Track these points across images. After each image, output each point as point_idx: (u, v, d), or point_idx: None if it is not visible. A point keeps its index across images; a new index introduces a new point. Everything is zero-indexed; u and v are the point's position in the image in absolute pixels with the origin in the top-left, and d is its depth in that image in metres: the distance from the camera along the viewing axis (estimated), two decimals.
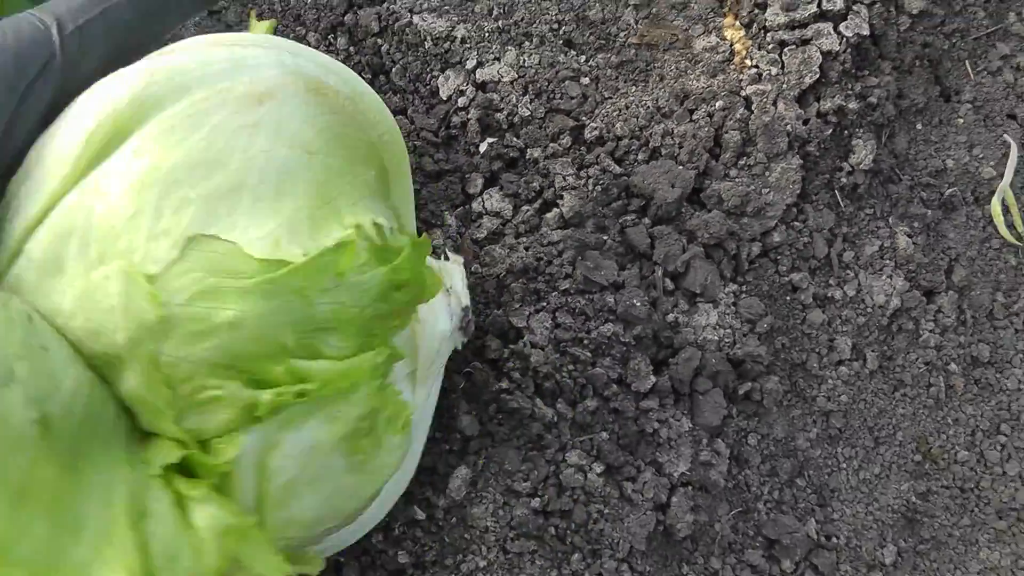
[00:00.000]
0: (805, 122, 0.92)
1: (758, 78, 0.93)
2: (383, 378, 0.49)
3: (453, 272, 0.69)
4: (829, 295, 0.92)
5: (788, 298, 0.90)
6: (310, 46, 0.91)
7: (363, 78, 0.64)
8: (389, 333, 0.49)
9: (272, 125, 0.49)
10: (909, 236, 0.96)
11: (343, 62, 0.91)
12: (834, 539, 0.86)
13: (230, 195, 0.46)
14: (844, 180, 0.94)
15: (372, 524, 0.65)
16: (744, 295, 0.87)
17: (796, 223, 0.91)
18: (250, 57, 0.53)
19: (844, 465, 0.89)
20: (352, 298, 0.46)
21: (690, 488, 0.79)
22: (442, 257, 0.73)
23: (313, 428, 0.47)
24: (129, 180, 0.46)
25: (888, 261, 0.95)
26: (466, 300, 0.68)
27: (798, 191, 0.90)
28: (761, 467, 0.85)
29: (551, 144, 0.87)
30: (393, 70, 0.91)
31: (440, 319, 0.63)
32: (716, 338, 0.83)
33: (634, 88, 0.93)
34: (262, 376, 0.45)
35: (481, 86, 0.91)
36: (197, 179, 0.46)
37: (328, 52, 0.91)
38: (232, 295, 0.43)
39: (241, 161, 0.47)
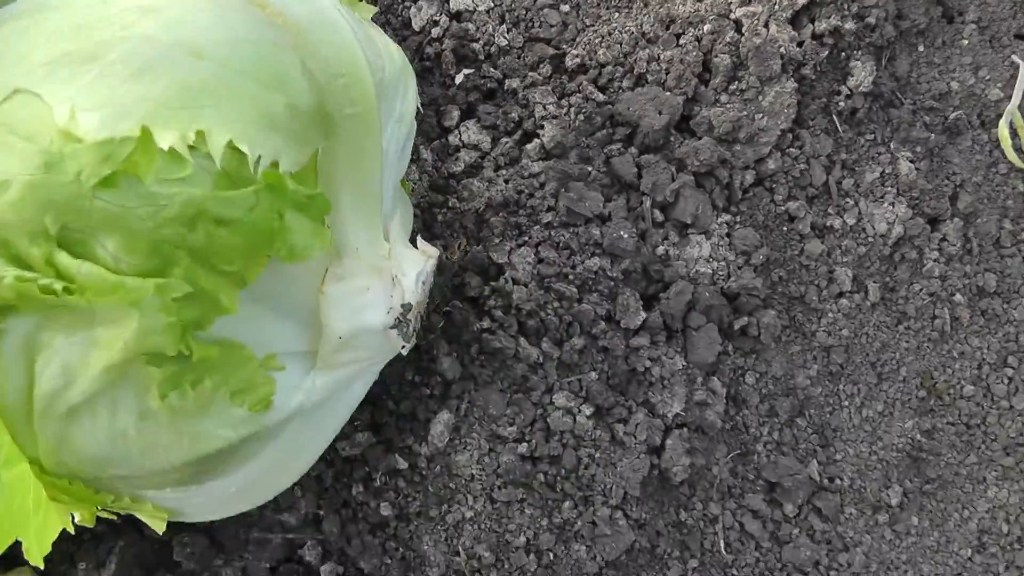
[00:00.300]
0: (799, 44, 0.87)
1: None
2: (191, 324, 0.45)
3: (408, 261, 0.59)
4: (828, 224, 0.87)
5: (785, 228, 0.85)
6: None
7: None
8: (206, 273, 0.44)
9: (171, 16, 0.46)
10: (912, 162, 0.91)
11: None
12: (837, 480, 0.83)
13: (80, 63, 0.44)
14: (842, 104, 0.89)
15: (247, 503, 0.60)
16: (738, 226, 0.83)
17: (792, 149, 0.86)
18: None
19: (846, 403, 0.86)
20: (142, 206, 0.43)
21: (685, 430, 0.75)
22: (418, 242, 0.64)
23: (84, 342, 0.45)
24: (12, 16, 0.48)
25: (890, 188, 0.91)
26: (413, 298, 0.57)
27: (793, 116, 0.85)
28: (760, 407, 0.82)
29: (530, 74, 0.82)
30: (362, 1, 0.86)
31: (370, 309, 0.55)
32: (709, 271, 0.79)
33: (617, 15, 0.87)
34: (23, 256, 0.43)
35: (455, 16, 0.85)
36: (60, 39, 0.45)
37: None
38: (15, 155, 0.43)
39: (112, 35, 0.45)
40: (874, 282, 0.88)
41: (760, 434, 0.81)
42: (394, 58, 0.60)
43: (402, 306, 0.57)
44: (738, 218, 0.83)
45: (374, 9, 0.71)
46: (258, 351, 0.50)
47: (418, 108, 0.64)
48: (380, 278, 0.56)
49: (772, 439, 0.81)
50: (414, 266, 0.59)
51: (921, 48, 0.97)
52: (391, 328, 0.56)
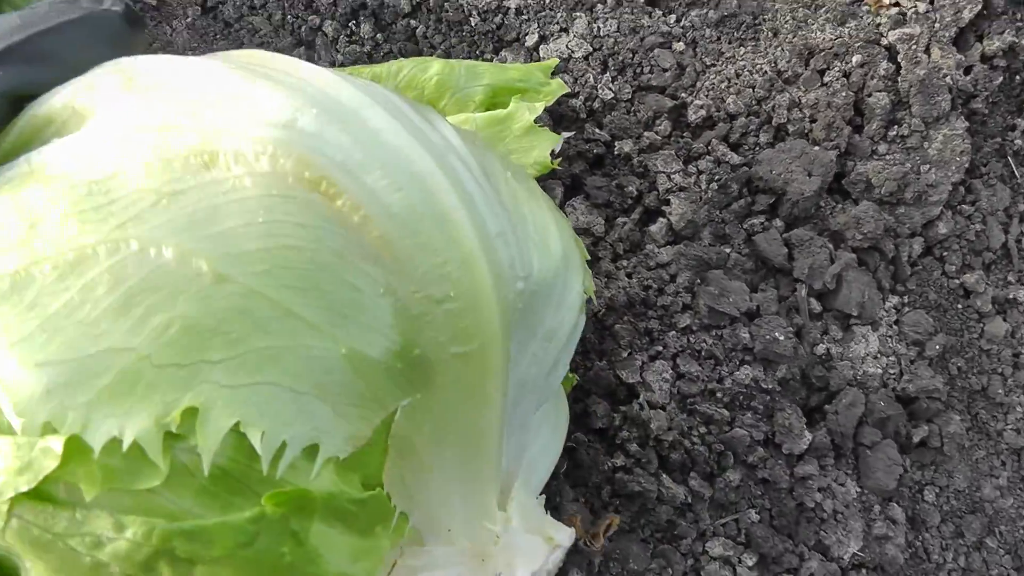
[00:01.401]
0: (967, 71, 0.71)
1: (902, 19, 0.72)
2: None
3: (524, 553, 0.42)
4: (1010, 296, 0.71)
5: (960, 306, 0.70)
6: (326, 37, 0.72)
7: None
8: None
9: (187, 209, 0.32)
10: None
11: (369, 53, 0.72)
12: None
13: (53, 278, 0.32)
14: (1019, 142, 0.73)
15: None
16: (907, 309, 0.68)
17: (964, 206, 0.71)
18: (246, 92, 0.35)
19: None
20: (76, 535, 0.30)
21: (864, 571, 0.61)
22: (548, 511, 0.48)
23: None
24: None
25: None
26: None
27: (966, 165, 0.69)
28: (942, 528, 0.67)
29: (646, 133, 0.67)
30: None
31: None
32: (879, 370, 0.65)
33: (743, 50, 0.72)
34: None
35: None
36: (36, 235, 0.33)
37: (350, 43, 0.72)
38: None
39: (101, 237, 0.32)
40: None
41: (944, 560, 0.67)
42: (551, 249, 0.43)
43: None
44: (907, 299, 0.68)
45: (558, 138, 0.55)
46: None
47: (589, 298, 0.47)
48: (479, 570, 0.40)
49: (959, 566, 0.67)
50: (530, 562, 0.42)
51: None
52: None
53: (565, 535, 0.45)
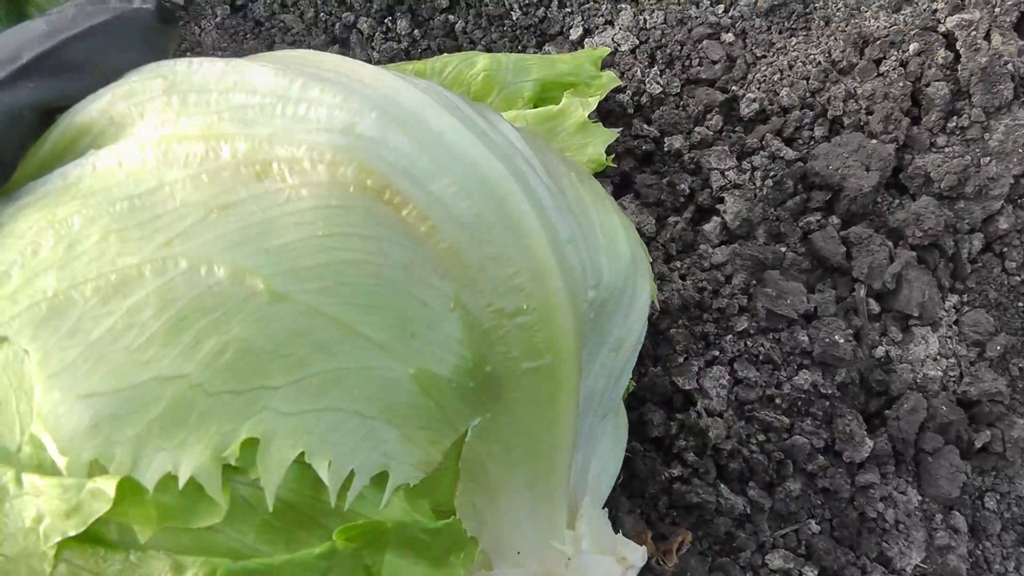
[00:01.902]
0: None
1: (960, 5, 0.69)
2: None
3: (594, 573, 0.40)
4: None
5: (1021, 304, 0.68)
6: (362, 35, 0.69)
7: None
8: None
9: (240, 223, 0.30)
10: None
11: (406, 50, 0.69)
12: None
13: (97, 301, 0.29)
14: None
15: None
16: (967, 308, 0.65)
17: None
18: (299, 96, 0.32)
19: None
20: None
21: None
22: (616, 530, 0.45)
23: None
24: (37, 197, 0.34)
25: None
26: None
27: None
28: (1003, 536, 0.65)
29: (696, 128, 0.65)
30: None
31: None
32: (939, 373, 0.62)
33: (794, 39, 0.69)
34: None
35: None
36: (76, 255, 0.31)
37: (387, 40, 0.69)
38: None
39: (146, 256, 0.29)
40: None
41: (1006, 570, 0.65)
42: (619, 253, 0.40)
43: None
44: (966, 297, 0.66)
45: (614, 135, 0.52)
46: None
47: (654, 304, 0.44)
48: None
49: (1021, 575, 0.65)
50: None
51: None
52: None
53: (638, 555, 0.43)
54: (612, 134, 0.54)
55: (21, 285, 0.29)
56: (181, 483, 0.27)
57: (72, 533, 0.27)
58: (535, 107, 0.55)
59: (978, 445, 0.63)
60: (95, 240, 0.30)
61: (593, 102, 0.54)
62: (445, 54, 0.60)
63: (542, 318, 0.33)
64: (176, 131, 0.32)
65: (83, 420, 0.27)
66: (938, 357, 0.63)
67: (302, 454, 0.28)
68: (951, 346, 0.64)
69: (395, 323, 0.31)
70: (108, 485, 0.27)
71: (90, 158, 0.33)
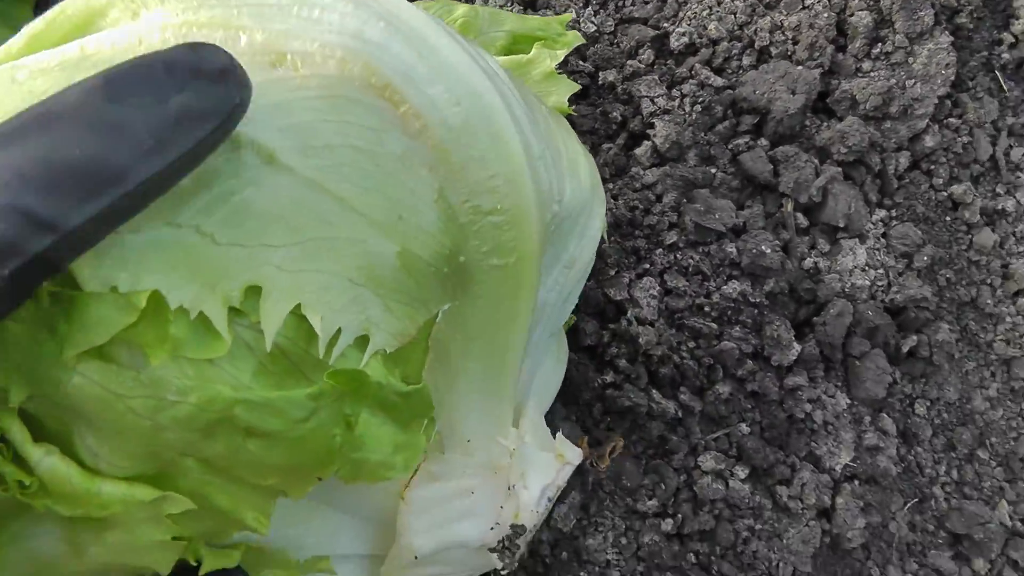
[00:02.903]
0: None
1: None
2: (199, 537, 0.33)
3: (536, 467, 0.43)
4: (999, 207, 0.71)
5: (948, 218, 0.70)
6: None
7: None
8: (224, 486, 0.32)
9: (257, 97, 0.31)
10: None
11: None
12: None
13: None
14: (1006, 56, 0.73)
15: None
16: (895, 222, 0.68)
17: (951, 119, 0.70)
18: (315, 1, 0.35)
19: None
20: (138, 396, 0.30)
21: (856, 483, 0.62)
22: (556, 435, 0.48)
23: (53, 538, 0.34)
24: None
25: None
26: (530, 520, 0.43)
27: (952, 78, 0.69)
28: (934, 441, 0.68)
29: (629, 62, 0.67)
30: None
31: (469, 519, 0.41)
32: (867, 282, 0.65)
33: None
34: None
35: (530, 2, 0.71)
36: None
37: None
38: None
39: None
40: None
41: (937, 474, 0.67)
42: (580, 179, 0.44)
43: (512, 526, 0.42)
44: (894, 212, 0.68)
45: (576, 87, 0.56)
46: (302, 551, 0.37)
47: (602, 237, 0.48)
48: (492, 481, 0.41)
49: (952, 479, 0.68)
50: (542, 476, 0.43)
51: None
52: (491, 550, 0.42)
53: (575, 454, 0.46)
54: (576, 86, 0.58)
55: None
56: (192, 315, 0.29)
57: (96, 342, 0.29)
58: (506, 55, 0.58)
59: (905, 350, 0.65)
60: None
61: (560, 54, 0.57)
62: None
63: (512, 219, 0.36)
64: (197, 18, 0.34)
65: (107, 251, 0.29)
66: (866, 268, 0.66)
67: (298, 306, 0.31)
68: (879, 257, 0.66)
69: (386, 204, 0.33)
70: (138, 297, 0.29)
71: (108, 34, 0.35)
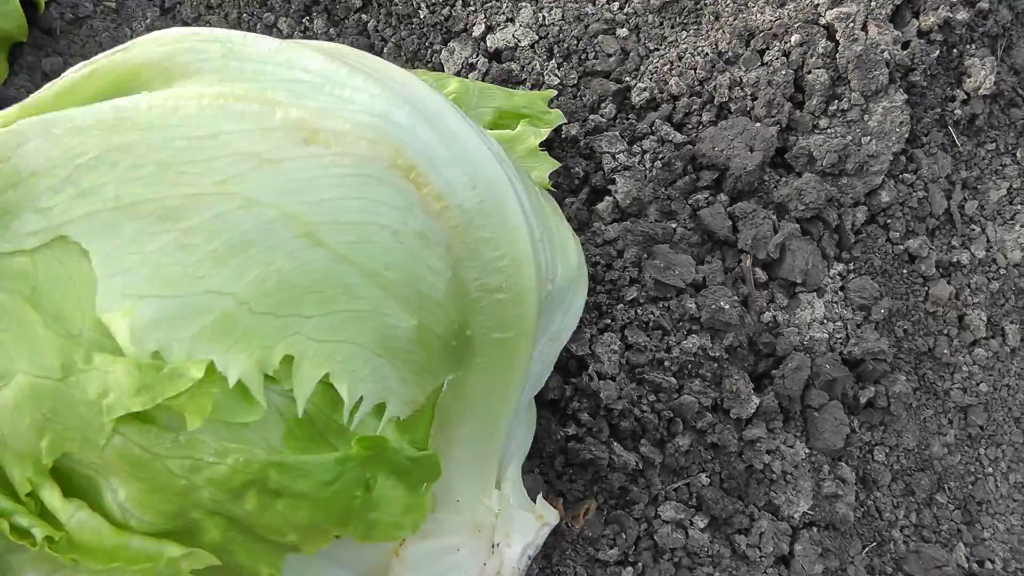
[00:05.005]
0: (905, 45, 0.73)
1: None
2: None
3: (518, 526, 0.46)
4: (954, 260, 0.74)
5: (905, 271, 0.72)
6: (281, 35, 0.74)
7: None
8: (245, 543, 0.34)
9: (289, 176, 0.34)
10: None
11: None
12: (988, 563, 0.70)
13: (154, 219, 0.33)
14: (959, 112, 0.75)
15: None
16: (853, 275, 0.70)
17: (906, 175, 0.73)
18: (344, 82, 0.37)
19: (990, 470, 0.73)
20: (177, 457, 0.32)
21: (815, 529, 0.63)
22: (537, 498, 0.51)
23: None
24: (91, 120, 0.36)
25: (1020, 206, 0.77)
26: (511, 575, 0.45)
27: (906, 135, 0.72)
28: (893, 486, 0.69)
29: (591, 116, 0.70)
30: (385, 50, 0.74)
31: (454, 573, 0.44)
32: (825, 335, 0.67)
33: (685, 33, 0.74)
34: (5, 477, 0.34)
35: (495, 55, 0.73)
36: (138, 177, 0.34)
37: (304, 37, 0.74)
38: (28, 338, 0.34)
39: (205, 188, 0.33)
40: (1011, 322, 0.74)
41: (896, 518, 0.69)
42: (570, 259, 0.47)
43: None
44: (852, 266, 0.70)
45: (556, 164, 0.60)
46: None
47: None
48: (477, 539, 0.44)
49: (910, 522, 0.69)
50: (523, 535, 0.45)
51: None
52: None
53: (553, 515, 0.50)
54: (556, 164, 0.61)
55: (79, 193, 0.33)
56: (231, 382, 0.31)
57: (137, 408, 0.31)
58: (492, 130, 0.61)
59: (863, 401, 0.67)
60: (153, 168, 0.34)
61: (544, 132, 0.60)
62: (419, 70, 0.66)
63: (515, 297, 0.39)
64: (233, 91, 0.36)
65: (145, 315, 0.31)
66: (824, 321, 0.68)
67: (327, 375, 0.33)
68: (837, 310, 0.69)
69: (407, 280, 0.36)
70: (194, 368, 0.30)
71: (145, 97, 0.36)
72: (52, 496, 0.32)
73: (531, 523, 0.47)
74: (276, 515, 0.33)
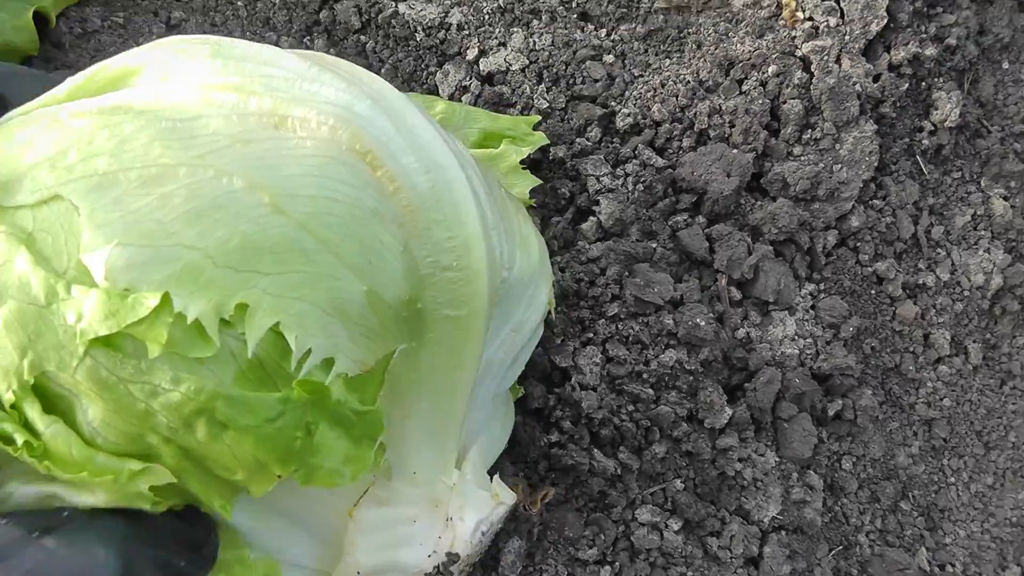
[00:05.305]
0: (876, 78, 0.77)
1: (815, 32, 0.78)
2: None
3: (473, 502, 0.48)
4: (920, 282, 0.78)
5: (873, 292, 0.76)
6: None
7: None
8: (197, 474, 0.38)
9: (257, 151, 0.38)
10: (1005, 199, 0.82)
11: None
12: (949, 567, 0.74)
13: (139, 184, 0.37)
14: (926, 142, 0.80)
15: None
16: (823, 295, 0.74)
17: (876, 201, 0.77)
18: (314, 77, 0.41)
19: (952, 479, 0.77)
20: (137, 381, 0.36)
21: (783, 533, 0.67)
22: (493, 479, 0.53)
23: (40, 497, 0.40)
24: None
25: (983, 232, 0.81)
26: (464, 549, 0.47)
27: (875, 163, 0.76)
28: (859, 493, 0.73)
29: (578, 139, 0.73)
30: (382, 70, 0.78)
31: (409, 545, 0.46)
32: (796, 351, 0.71)
33: (668, 61, 0.78)
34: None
35: (487, 79, 0.77)
36: (129, 151, 0.38)
37: None
38: (21, 272, 0.38)
39: (182, 159, 0.37)
40: (974, 341, 0.79)
41: (862, 523, 0.73)
42: (530, 255, 0.50)
43: (448, 554, 0.47)
44: (822, 286, 0.74)
45: (537, 181, 0.64)
46: (258, 549, 0.43)
47: (550, 311, 0.55)
48: (433, 513, 0.47)
49: (875, 527, 0.73)
50: (478, 511, 0.48)
51: (1006, 64, 0.87)
52: (427, 575, 0.47)
53: (509, 495, 0.52)
54: (536, 180, 0.65)
55: (76, 162, 0.38)
56: (189, 320, 0.35)
57: (104, 333, 0.35)
58: (478, 149, 0.65)
59: (831, 413, 0.71)
60: (142, 143, 0.38)
61: (525, 151, 0.64)
62: (411, 93, 0.70)
63: (466, 277, 0.42)
64: (216, 83, 0.40)
65: (121, 258, 0.35)
66: (795, 337, 0.71)
67: (277, 324, 0.36)
68: (808, 328, 0.72)
69: (360, 250, 0.39)
70: (151, 297, 0.35)
71: (140, 89, 0.41)
72: (32, 410, 0.36)
73: (487, 500, 0.50)
74: (224, 449, 0.36)
